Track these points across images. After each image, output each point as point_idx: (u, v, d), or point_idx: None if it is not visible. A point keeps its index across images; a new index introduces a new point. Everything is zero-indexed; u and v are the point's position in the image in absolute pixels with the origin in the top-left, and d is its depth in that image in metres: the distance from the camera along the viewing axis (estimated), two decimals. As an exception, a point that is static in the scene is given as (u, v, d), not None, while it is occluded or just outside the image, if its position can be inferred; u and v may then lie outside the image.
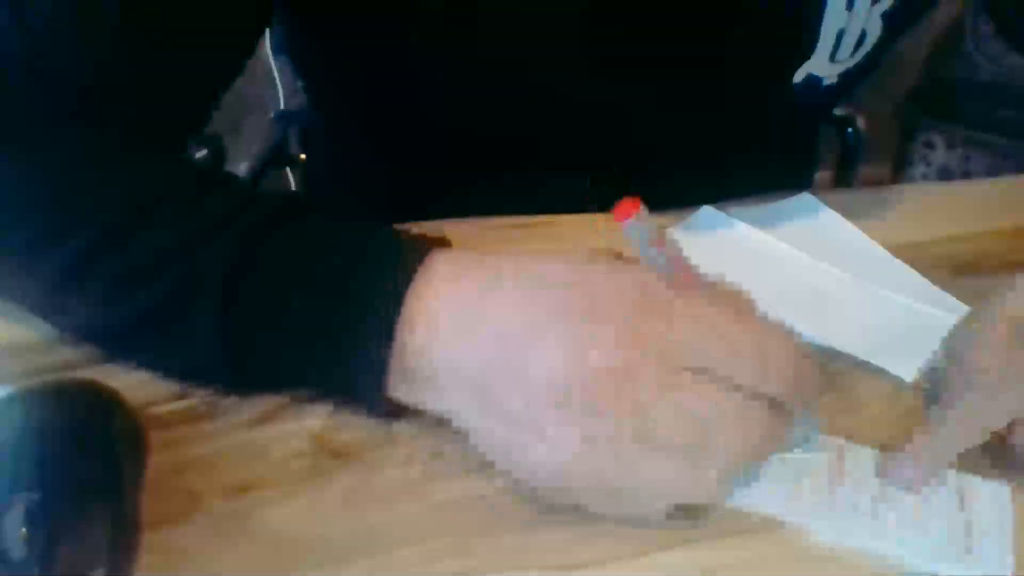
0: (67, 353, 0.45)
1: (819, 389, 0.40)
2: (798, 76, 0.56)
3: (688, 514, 0.38)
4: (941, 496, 0.40)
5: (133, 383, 0.43)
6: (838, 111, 1.04)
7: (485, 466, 0.39)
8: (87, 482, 0.37)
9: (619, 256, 0.40)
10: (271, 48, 1.11)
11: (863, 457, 0.41)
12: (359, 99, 0.64)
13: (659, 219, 0.39)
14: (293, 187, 1.21)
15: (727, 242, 0.55)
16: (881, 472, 0.41)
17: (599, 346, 0.36)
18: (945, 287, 0.51)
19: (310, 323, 0.40)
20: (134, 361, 0.44)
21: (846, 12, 0.53)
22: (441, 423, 0.40)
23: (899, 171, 1.41)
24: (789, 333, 0.38)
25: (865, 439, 0.42)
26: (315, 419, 0.43)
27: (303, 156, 0.97)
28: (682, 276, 0.38)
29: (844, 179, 1.07)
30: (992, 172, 1.30)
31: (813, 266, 0.53)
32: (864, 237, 0.55)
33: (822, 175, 0.86)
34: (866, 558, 0.38)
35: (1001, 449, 0.40)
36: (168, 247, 0.41)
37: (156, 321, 0.41)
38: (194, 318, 0.40)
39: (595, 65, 0.55)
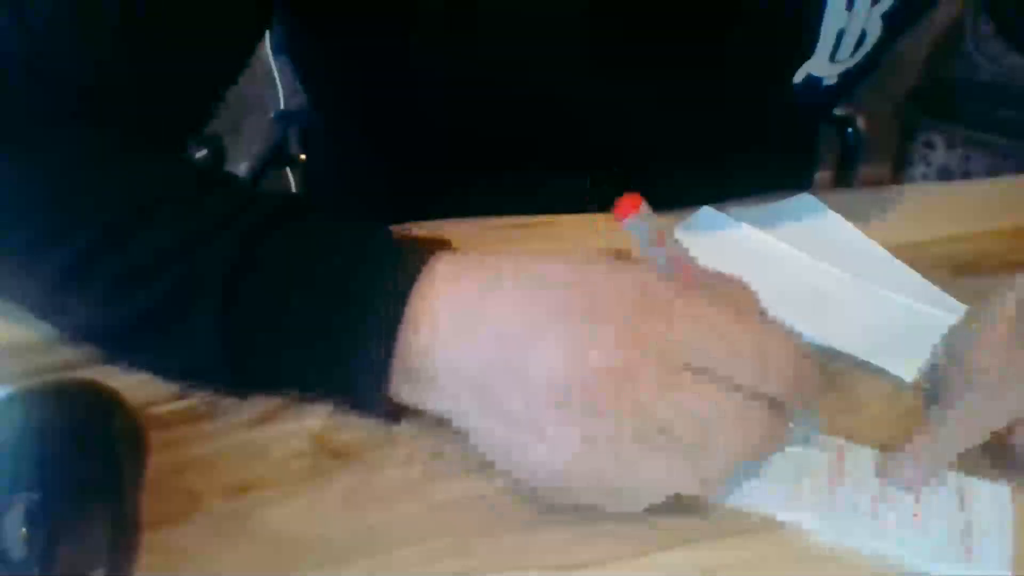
0: (67, 353, 0.45)
1: (819, 389, 0.40)
2: (798, 76, 0.56)
3: (681, 504, 0.37)
4: (941, 496, 0.40)
5: (133, 383, 0.43)
6: (838, 111, 1.04)
7: (485, 466, 0.39)
8: (87, 482, 0.37)
9: (619, 255, 0.40)
10: (271, 48, 1.11)
11: (863, 457, 0.41)
12: (359, 99, 0.64)
13: (659, 219, 0.39)
14: (293, 187, 1.21)
15: (727, 242, 0.55)
16: (881, 472, 0.41)
17: (599, 346, 0.36)
18: (945, 287, 0.51)
19: (310, 323, 0.40)
20: (134, 361, 0.44)
21: (846, 12, 0.53)
22: (441, 423, 0.40)
23: (899, 171, 1.41)
24: (789, 333, 0.38)
25: (865, 439, 0.42)
26: (315, 419, 0.43)
27: (303, 156, 0.97)
28: (683, 274, 0.38)
29: (844, 179, 1.07)
30: (992, 172, 1.30)
31: (813, 266, 0.53)
32: (864, 237, 0.55)
33: (822, 175, 0.86)
34: (866, 558, 0.38)
35: (1001, 449, 0.40)
36: (168, 247, 0.41)
37: (156, 321, 0.41)
38: (194, 318, 0.40)
39: (595, 65, 0.55)
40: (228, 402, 0.43)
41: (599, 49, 0.54)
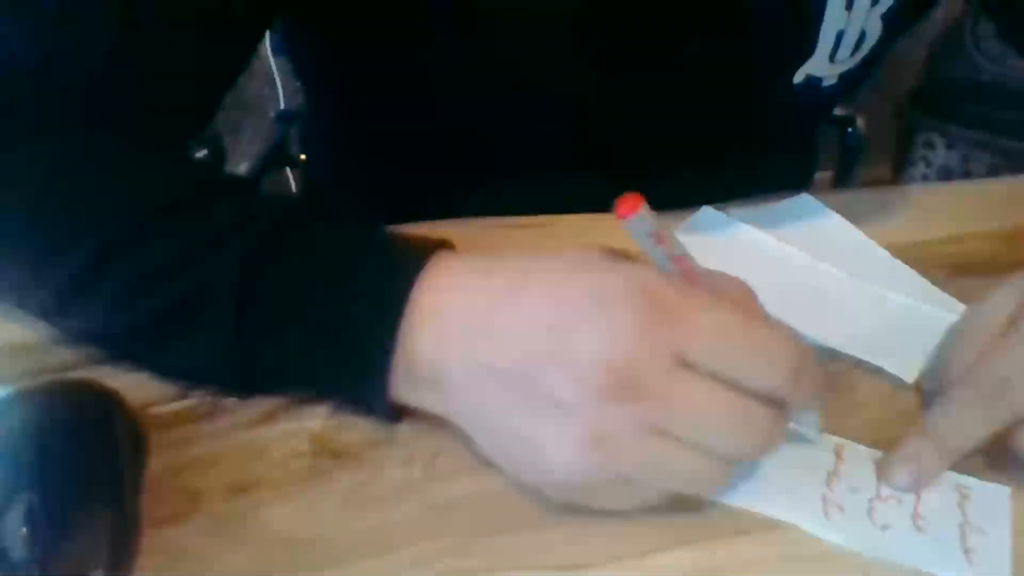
0: (67, 353, 0.45)
1: (820, 389, 0.40)
2: (798, 76, 0.56)
3: (681, 504, 0.38)
4: (940, 497, 0.40)
5: (133, 383, 0.43)
6: (838, 111, 1.04)
7: (485, 466, 0.39)
8: (87, 482, 0.37)
9: (620, 255, 0.40)
10: (271, 48, 1.12)
11: (863, 457, 0.41)
12: (359, 99, 0.64)
13: (659, 219, 0.39)
14: (293, 187, 1.21)
15: (727, 242, 0.55)
16: (880, 473, 0.41)
17: (601, 345, 0.36)
18: (945, 287, 0.51)
19: (315, 327, 0.40)
20: (140, 364, 0.44)
21: (845, 13, 0.53)
22: (441, 423, 0.40)
23: (899, 171, 1.42)
24: (791, 333, 0.38)
25: (865, 439, 0.42)
26: (315, 419, 0.43)
27: (303, 156, 0.97)
28: (683, 274, 0.38)
29: (844, 179, 1.07)
30: (992, 172, 1.30)
31: (813, 266, 0.53)
32: (864, 237, 0.55)
33: (822, 175, 0.86)
34: (866, 558, 0.38)
35: (1001, 450, 0.40)
36: (177, 255, 0.41)
37: (165, 328, 0.41)
38: (204, 325, 0.40)
39: (595, 65, 0.55)
40: (228, 402, 0.43)
41: (598, 49, 0.54)
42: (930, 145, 1.37)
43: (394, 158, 0.66)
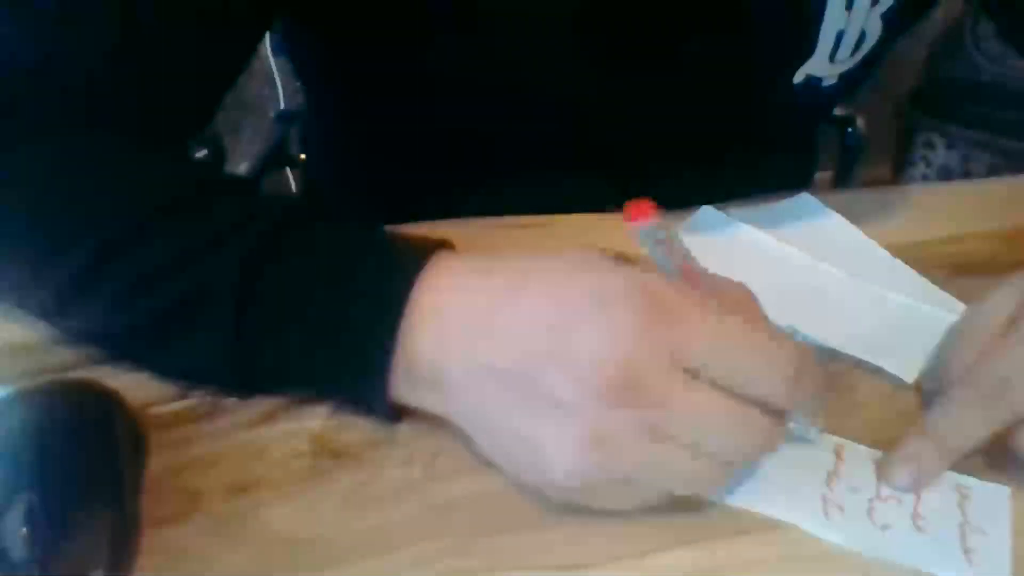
0: (67, 353, 0.45)
1: (821, 397, 0.40)
2: (798, 76, 0.56)
3: (681, 504, 0.38)
4: (940, 497, 0.40)
5: (133, 383, 0.43)
6: (838, 111, 1.04)
7: (485, 466, 0.39)
8: (87, 482, 0.37)
9: (621, 256, 0.40)
10: (271, 48, 1.12)
11: (863, 457, 0.41)
12: (359, 100, 0.64)
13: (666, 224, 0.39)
14: (293, 187, 1.21)
15: (727, 242, 0.55)
16: (880, 473, 0.41)
17: (601, 345, 0.36)
18: (945, 287, 0.51)
19: (315, 327, 0.40)
20: (142, 365, 0.44)
21: (845, 13, 0.53)
22: (441, 423, 0.40)
23: (899, 171, 1.42)
24: (794, 341, 0.38)
25: (865, 439, 0.42)
26: (315, 419, 0.43)
27: (303, 156, 0.97)
28: (688, 280, 0.39)
29: (844, 179, 1.07)
30: (992, 172, 1.30)
31: (813, 266, 0.53)
32: (864, 237, 0.55)
33: (822, 175, 0.86)
34: (866, 558, 0.38)
35: (1001, 450, 0.40)
36: (177, 255, 0.41)
37: (165, 328, 0.41)
38: (204, 325, 0.40)
39: (595, 66, 0.55)
40: (228, 402, 0.43)
41: (598, 49, 0.54)
42: (930, 145, 1.37)
43: (394, 158, 0.66)
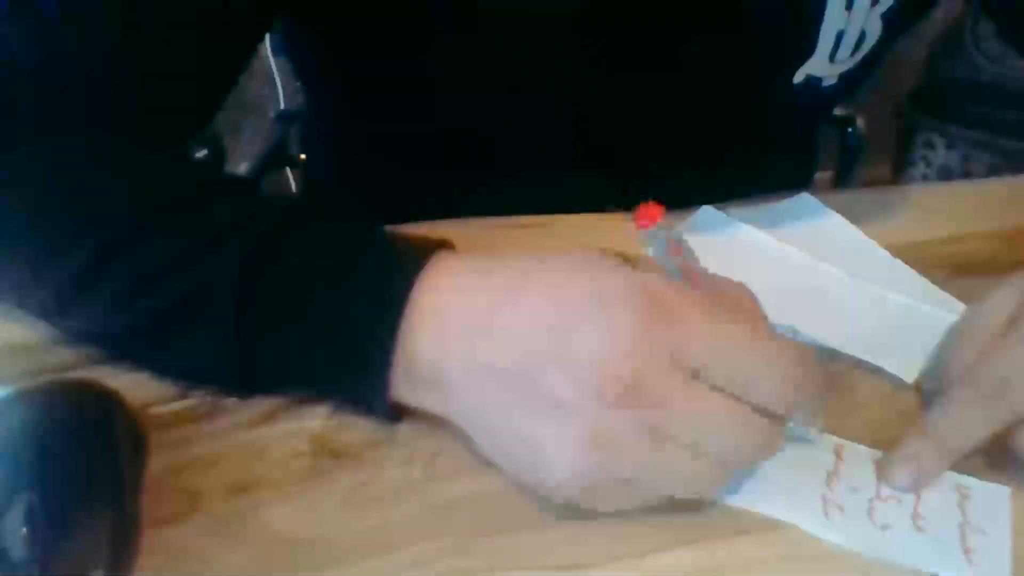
0: (67, 353, 0.45)
1: (821, 402, 0.40)
2: (798, 76, 0.56)
3: (681, 504, 0.38)
4: (940, 497, 0.40)
5: (133, 383, 0.43)
6: (838, 111, 1.04)
7: (485, 466, 0.39)
8: (87, 482, 0.37)
9: (619, 255, 0.40)
10: (271, 48, 1.12)
11: (862, 457, 0.41)
12: (359, 100, 0.64)
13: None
14: (293, 187, 1.21)
15: (727, 242, 0.55)
16: (880, 473, 0.41)
17: (601, 345, 0.36)
18: (945, 287, 0.51)
19: (315, 328, 0.40)
20: (142, 365, 0.44)
21: (845, 13, 0.53)
22: (441, 423, 0.40)
23: (899, 171, 1.42)
24: (795, 347, 0.38)
25: (865, 439, 0.42)
26: (315, 419, 0.43)
27: (303, 156, 0.97)
28: (692, 284, 0.39)
29: (844, 179, 1.07)
30: (992, 172, 1.30)
31: (813, 266, 0.53)
32: (864, 237, 0.55)
33: (822, 175, 0.86)
34: (866, 558, 0.38)
35: (1001, 450, 0.40)
36: (177, 255, 0.41)
37: (165, 328, 0.41)
38: (204, 325, 0.40)
39: (595, 66, 0.55)
40: (228, 402, 0.43)
41: (598, 49, 0.54)
42: (930, 145, 1.37)
43: (394, 158, 0.66)
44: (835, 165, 1.07)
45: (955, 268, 0.53)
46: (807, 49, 0.55)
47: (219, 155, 0.98)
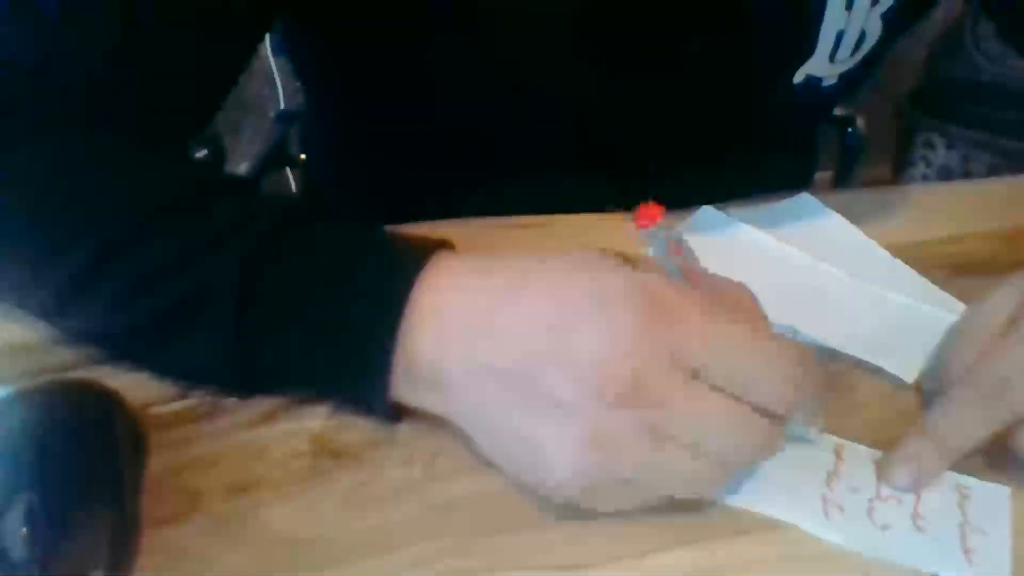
0: (67, 353, 0.45)
1: (822, 395, 0.40)
2: (798, 76, 0.56)
3: (681, 504, 0.38)
4: (940, 497, 0.40)
5: (133, 383, 0.43)
6: (838, 111, 1.04)
7: (485, 466, 0.39)
8: (87, 482, 0.37)
9: (620, 255, 0.40)
10: (271, 48, 1.12)
11: (862, 457, 0.41)
12: (359, 100, 0.64)
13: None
14: (293, 187, 1.21)
15: (727, 242, 0.55)
16: (880, 473, 0.41)
17: (601, 345, 0.36)
18: (945, 287, 0.51)
19: (315, 328, 0.40)
20: (142, 365, 0.44)
21: (845, 13, 0.53)
22: (441, 423, 0.40)
23: (899, 171, 1.42)
24: (796, 349, 0.37)
25: (865, 439, 0.42)
26: (315, 419, 0.43)
27: (303, 156, 0.97)
28: (692, 284, 0.39)
29: (844, 179, 1.07)
30: (992, 172, 1.30)
31: (813, 266, 0.53)
32: (864, 237, 0.55)
33: (822, 175, 0.86)
34: (866, 558, 0.38)
35: (1001, 450, 0.40)
36: (177, 255, 0.41)
37: (165, 328, 0.41)
38: (204, 325, 0.40)
39: (595, 66, 0.55)
40: (228, 402, 0.43)
41: (598, 49, 0.54)
42: (930, 145, 1.37)
43: (394, 158, 0.66)
44: (835, 165, 1.07)
45: (955, 268, 0.53)
46: (807, 49, 0.55)
47: (219, 155, 0.98)
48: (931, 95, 1.38)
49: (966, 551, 0.38)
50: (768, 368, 0.36)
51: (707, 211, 0.57)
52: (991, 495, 0.40)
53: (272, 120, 1.25)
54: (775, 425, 0.37)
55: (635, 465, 0.36)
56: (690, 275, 0.39)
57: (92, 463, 0.38)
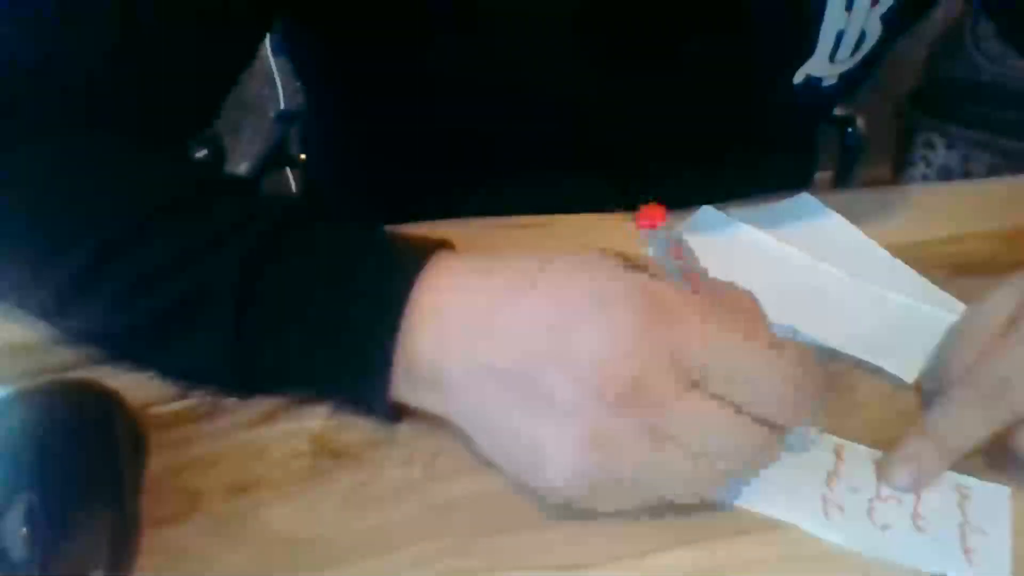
0: (67, 353, 0.45)
1: (822, 395, 0.40)
2: (798, 76, 0.56)
3: (681, 504, 0.37)
4: (940, 497, 0.40)
5: (133, 383, 0.43)
6: (838, 111, 1.04)
7: (485, 466, 0.39)
8: (87, 482, 0.37)
9: (620, 256, 0.40)
10: (271, 48, 1.12)
11: (862, 457, 0.41)
12: (359, 100, 0.64)
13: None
14: (293, 187, 1.21)
15: (727, 242, 0.55)
16: (880, 473, 0.41)
17: (601, 345, 0.36)
18: (945, 287, 0.51)
19: (315, 328, 0.40)
20: (142, 365, 0.44)
21: (845, 13, 0.53)
22: (441, 423, 0.40)
23: (899, 171, 1.42)
24: (796, 354, 0.37)
25: (865, 439, 0.42)
26: (315, 419, 0.43)
27: (303, 156, 0.97)
28: (693, 287, 0.39)
29: (844, 179, 1.07)
30: (992, 172, 1.30)
31: (813, 266, 0.53)
32: (864, 237, 0.55)
33: (822, 175, 0.86)
34: (866, 558, 0.38)
35: (1001, 450, 0.40)
36: (177, 255, 0.41)
37: (165, 328, 0.41)
38: (204, 325, 0.40)
39: (595, 66, 0.55)
40: (228, 402, 0.43)
41: (598, 49, 0.54)
42: (930, 145, 1.37)
43: (394, 158, 0.66)
44: (835, 165, 1.07)
45: (955, 268, 0.53)
46: (807, 49, 0.55)
47: (219, 155, 0.98)
48: (931, 95, 1.38)
49: (966, 551, 0.38)
50: (768, 368, 0.36)
51: (707, 211, 0.57)
52: (991, 495, 0.40)
53: (272, 120, 1.25)
54: (774, 434, 0.37)
55: (635, 465, 0.36)
56: (690, 276, 0.39)
57: (92, 463, 0.38)
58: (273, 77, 1.27)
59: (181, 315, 0.41)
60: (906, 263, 0.53)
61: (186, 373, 0.44)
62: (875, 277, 0.52)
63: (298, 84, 1.00)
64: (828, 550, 0.38)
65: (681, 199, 0.55)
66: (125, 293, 0.41)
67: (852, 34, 0.54)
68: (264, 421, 0.43)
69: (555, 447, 0.36)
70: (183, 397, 0.43)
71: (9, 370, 0.45)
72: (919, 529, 0.39)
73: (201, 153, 0.93)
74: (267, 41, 1.01)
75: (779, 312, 0.40)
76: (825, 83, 0.57)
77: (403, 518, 0.39)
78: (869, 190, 0.62)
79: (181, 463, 0.41)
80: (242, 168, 1.18)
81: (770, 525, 0.39)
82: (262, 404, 0.43)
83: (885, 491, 0.40)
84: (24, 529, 0.34)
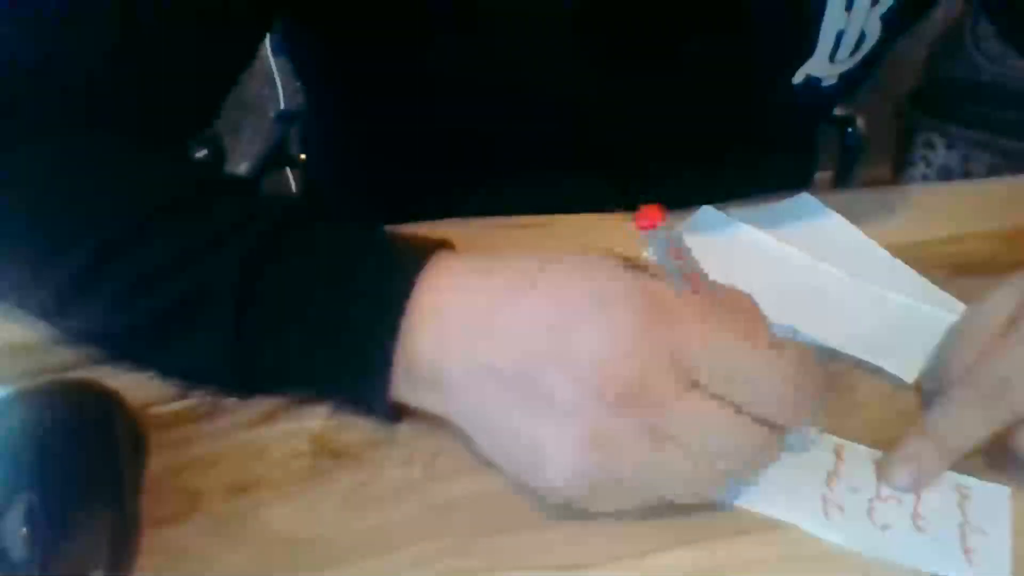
0: (67, 353, 0.45)
1: (822, 395, 0.40)
2: (798, 76, 0.56)
3: (681, 504, 0.37)
4: (940, 497, 0.40)
5: (133, 383, 0.43)
6: (838, 111, 1.04)
7: (485, 466, 0.39)
8: (87, 482, 0.37)
9: (620, 256, 0.40)
10: (271, 48, 1.12)
11: (862, 457, 0.41)
12: (359, 100, 0.64)
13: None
14: (293, 187, 1.21)
15: (727, 242, 0.55)
16: (880, 473, 0.41)
17: (601, 345, 0.36)
18: (945, 287, 0.51)
19: (315, 328, 0.40)
20: (142, 365, 0.44)
21: (845, 13, 0.53)
22: (441, 423, 0.40)
23: (899, 171, 1.42)
24: (796, 356, 0.37)
25: (865, 439, 0.42)
26: (315, 419, 0.43)
27: (303, 156, 0.97)
28: (693, 288, 0.38)
29: (844, 179, 1.07)
30: (992, 172, 1.30)
31: (813, 266, 0.53)
32: (864, 237, 0.55)
33: (822, 175, 0.86)
34: (866, 558, 0.38)
35: (1001, 450, 0.40)
36: (177, 255, 0.41)
37: (165, 328, 0.41)
38: (204, 325, 0.40)
39: (595, 66, 0.55)
40: (228, 402, 0.43)
41: (598, 49, 0.54)
42: (930, 145, 1.37)
43: (394, 158, 0.66)
44: (835, 165, 1.07)
45: (955, 268, 0.53)
46: (807, 49, 0.55)
47: (219, 155, 0.98)
48: (931, 95, 1.38)
49: (966, 551, 0.38)
50: (768, 368, 0.36)
51: (707, 211, 0.57)
52: (991, 495, 0.40)
53: (272, 120, 1.25)
54: (773, 435, 0.37)
55: (635, 465, 0.36)
56: (690, 277, 0.39)
57: (92, 463, 0.38)
58: (273, 77, 1.27)
59: (181, 315, 0.41)
60: (906, 263, 0.53)
61: (186, 373, 0.44)
62: (875, 277, 0.52)
63: (298, 84, 1.00)
64: (828, 550, 0.38)
65: (681, 199, 0.55)
66: (125, 293, 0.42)
67: (852, 34, 0.54)
68: (264, 421, 0.43)
69: (555, 447, 0.36)
70: (183, 397, 0.43)
71: (9, 370, 0.45)
72: (919, 529, 0.39)
73: (201, 153, 0.93)
74: (267, 41, 1.01)
75: (779, 312, 0.40)
76: (825, 83, 0.57)
77: (403, 518, 0.39)
78: (869, 190, 0.62)
79: (181, 463, 0.41)
80: (242, 168, 1.18)
81: (770, 525, 0.39)
82: (262, 404, 0.43)
83: (885, 491, 0.40)
84: (24, 529, 0.34)
